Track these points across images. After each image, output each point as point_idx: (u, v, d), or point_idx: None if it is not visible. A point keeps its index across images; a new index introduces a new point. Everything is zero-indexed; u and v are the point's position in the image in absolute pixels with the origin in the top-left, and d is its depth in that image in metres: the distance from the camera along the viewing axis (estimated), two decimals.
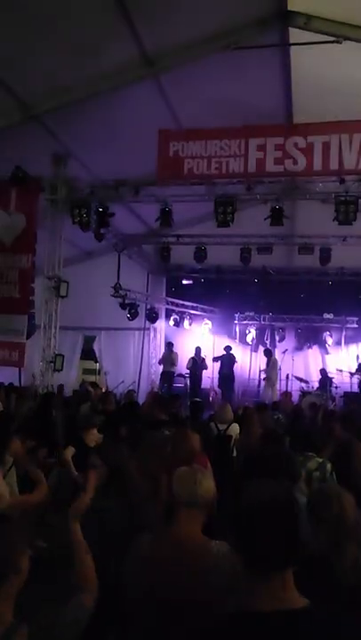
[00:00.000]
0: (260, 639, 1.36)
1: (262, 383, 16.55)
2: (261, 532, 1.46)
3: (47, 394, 9.06)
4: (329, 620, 1.42)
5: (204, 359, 16.09)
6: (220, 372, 16.16)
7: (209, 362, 16.33)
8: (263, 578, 1.46)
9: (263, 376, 15.92)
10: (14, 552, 1.88)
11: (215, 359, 16.20)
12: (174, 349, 16.23)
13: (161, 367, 16.19)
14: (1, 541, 1.88)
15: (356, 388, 15.21)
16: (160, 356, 16.54)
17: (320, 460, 4.36)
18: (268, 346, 17.51)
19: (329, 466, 4.26)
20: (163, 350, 16.73)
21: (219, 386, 15.93)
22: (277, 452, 3.44)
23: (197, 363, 15.90)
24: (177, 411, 8.01)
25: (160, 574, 2.19)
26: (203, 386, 16.20)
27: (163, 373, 15.88)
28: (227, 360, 16.08)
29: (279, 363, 16.23)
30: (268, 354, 16.04)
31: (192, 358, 16.03)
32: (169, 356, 15.93)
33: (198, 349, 16.20)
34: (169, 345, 16.24)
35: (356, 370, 15.32)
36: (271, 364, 15.66)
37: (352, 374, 15.40)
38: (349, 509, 2.15)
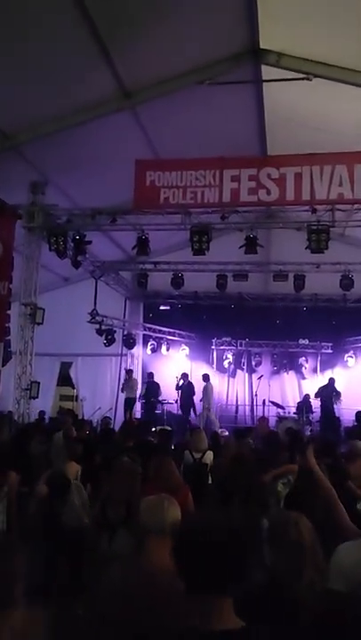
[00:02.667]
0: None
1: (239, 409, 16.63)
2: (198, 559, 1.52)
3: (24, 428, 8.94)
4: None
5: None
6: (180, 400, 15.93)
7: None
8: (202, 600, 1.51)
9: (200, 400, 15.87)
10: (16, 582, 1.90)
11: (178, 388, 16.01)
12: (134, 375, 16.11)
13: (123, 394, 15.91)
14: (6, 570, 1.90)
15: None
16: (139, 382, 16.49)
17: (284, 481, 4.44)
18: (245, 371, 17.64)
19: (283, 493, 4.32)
20: (140, 376, 16.72)
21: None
22: (246, 480, 3.49)
23: (189, 388, 15.81)
24: (146, 438, 8.01)
25: (131, 601, 2.21)
26: (179, 411, 16.20)
27: (126, 400, 15.67)
28: (186, 389, 15.89)
29: (255, 388, 16.39)
30: (205, 379, 16.03)
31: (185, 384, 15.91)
32: (129, 382, 15.71)
33: (185, 375, 16.11)
34: (129, 372, 16.04)
35: (316, 393, 15.48)
36: (205, 390, 15.69)
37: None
38: (306, 535, 2.22)
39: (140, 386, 16.16)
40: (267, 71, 9.36)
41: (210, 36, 8.61)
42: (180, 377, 15.82)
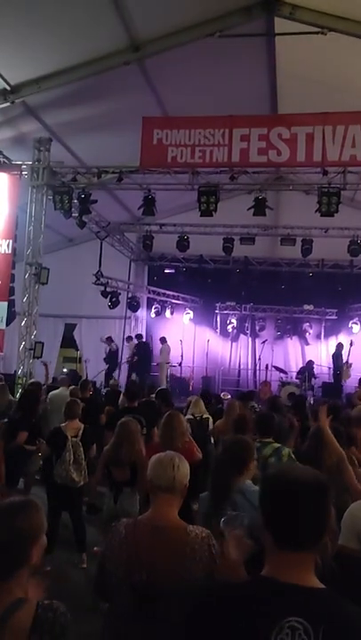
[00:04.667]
0: (277, 607, 1.40)
1: (242, 373, 16.71)
2: (303, 513, 1.50)
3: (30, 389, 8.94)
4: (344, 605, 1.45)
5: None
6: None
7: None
8: (294, 556, 1.49)
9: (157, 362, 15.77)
10: (34, 539, 1.91)
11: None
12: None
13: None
14: (21, 528, 1.91)
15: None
16: None
17: (276, 445, 4.45)
18: (249, 335, 17.65)
19: (286, 451, 4.36)
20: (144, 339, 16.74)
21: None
22: (236, 440, 3.51)
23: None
24: (148, 399, 8.10)
25: (137, 556, 2.22)
26: (182, 374, 16.31)
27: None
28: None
29: (258, 352, 16.42)
30: (162, 341, 15.92)
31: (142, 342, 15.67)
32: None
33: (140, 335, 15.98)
34: (128, 338, 15.90)
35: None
36: (162, 351, 15.63)
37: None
38: None
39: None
40: (280, 24, 9.00)
41: None
42: (134, 337, 15.60)
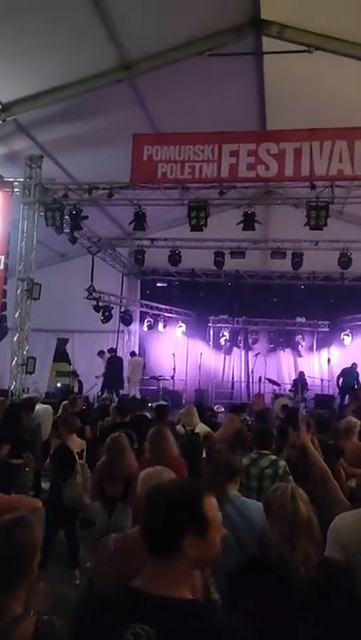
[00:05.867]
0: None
1: (235, 385, 16.73)
2: (152, 522, 1.60)
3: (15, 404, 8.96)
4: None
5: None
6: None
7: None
8: (155, 564, 1.57)
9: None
10: (32, 553, 1.95)
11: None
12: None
13: None
14: (20, 543, 1.94)
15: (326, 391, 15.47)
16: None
17: (273, 457, 4.50)
18: (241, 348, 17.71)
19: (282, 463, 4.40)
20: (137, 353, 16.74)
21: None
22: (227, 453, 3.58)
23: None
24: (140, 413, 8.09)
25: (126, 571, 2.25)
26: (175, 387, 16.30)
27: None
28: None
29: (251, 365, 16.45)
30: (132, 354, 16.01)
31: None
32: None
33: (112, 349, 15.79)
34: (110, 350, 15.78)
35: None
36: (130, 365, 15.68)
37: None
38: (302, 506, 2.24)
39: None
40: (268, 43, 9.18)
41: (210, 5, 8.41)
42: (106, 351, 15.35)
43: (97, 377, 14.95)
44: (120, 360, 15.37)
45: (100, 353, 15.28)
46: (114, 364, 14.92)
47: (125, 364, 15.68)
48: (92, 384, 14.64)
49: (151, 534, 1.60)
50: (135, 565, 2.24)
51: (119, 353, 15.92)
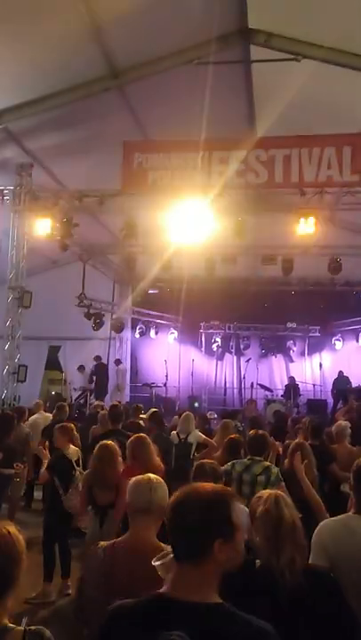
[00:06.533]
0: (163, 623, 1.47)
1: (227, 391, 16.75)
2: (183, 527, 1.60)
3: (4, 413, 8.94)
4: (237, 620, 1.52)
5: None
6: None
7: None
8: (184, 570, 1.58)
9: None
10: (16, 564, 1.93)
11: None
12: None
13: None
14: (3, 554, 1.92)
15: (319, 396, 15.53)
16: (127, 365, 16.51)
17: (266, 464, 4.52)
18: (233, 354, 17.74)
19: (275, 470, 4.43)
20: (129, 360, 16.74)
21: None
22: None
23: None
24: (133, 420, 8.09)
25: (116, 580, 2.25)
26: (168, 394, 16.29)
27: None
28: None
29: (244, 371, 16.47)
30: (116, 363, 16.10)
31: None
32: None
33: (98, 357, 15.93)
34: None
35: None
36: (118, 372, 15.73)
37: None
38: (287, 511, 2.26)
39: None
40: (256, 51, 9.24)
41: (198, 15, 8.47)
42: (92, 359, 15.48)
43: (75, 389, 14.97)
44: (106, 367, 15.39)
45: (97, 357, 15.28)
46: (101, 372, 14.96)
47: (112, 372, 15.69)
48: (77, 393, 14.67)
49: (184, 539, 1.61)
50: (125, 572, 2.25)
51: (111, 360, 15.94)
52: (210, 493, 1.67)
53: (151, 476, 2.55)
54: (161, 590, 1.59)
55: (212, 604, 1.54)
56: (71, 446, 6.16)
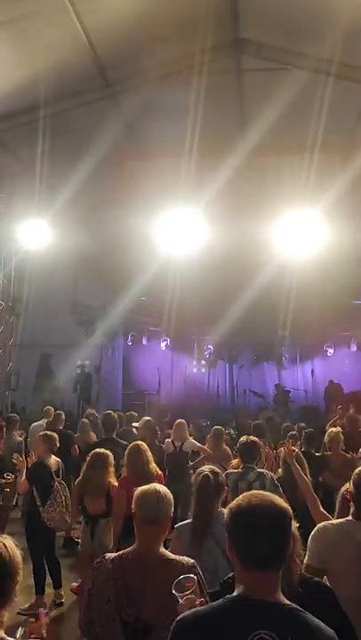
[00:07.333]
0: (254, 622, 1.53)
1: (220, 398, 16.71)
2: (268, 535, 1.66)
3: None
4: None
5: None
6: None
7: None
8: (259, 575, 1.63)
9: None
10: (12, 577, 1.91)
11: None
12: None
13: None
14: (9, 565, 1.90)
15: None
16: (120, 372, 16.47)
17: (259, 470, 4.54)
18: (225, 361, 17.76)
19: (269, 476, 4.45)
20: (121, 367, 16.69)
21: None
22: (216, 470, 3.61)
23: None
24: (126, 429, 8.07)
25: (126, 591, 2.24)
26: (160, 401, 16.22)
27: None
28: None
29: (236, 378, 16.49)
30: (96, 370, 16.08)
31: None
32: None
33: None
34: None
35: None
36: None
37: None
38: None
39: None
40: (247, 60, 9.34)
41: (190, 26, 8.54)
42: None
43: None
44: (90, 376, 15.36)
45: (81, 366, 15.25)
46: (84, 380, 14.92)
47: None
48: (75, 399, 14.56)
49: (273, 548, 1.65)
50: (136, 585, 2.24)
51: (103, 367, 15.90)
52: (282, 505, 1.73)
53: (157, 485, 2.54)
54: (236, 593, 1.65)
55: (288, 604, 1.62)
56: (52, 456, 6.09)
